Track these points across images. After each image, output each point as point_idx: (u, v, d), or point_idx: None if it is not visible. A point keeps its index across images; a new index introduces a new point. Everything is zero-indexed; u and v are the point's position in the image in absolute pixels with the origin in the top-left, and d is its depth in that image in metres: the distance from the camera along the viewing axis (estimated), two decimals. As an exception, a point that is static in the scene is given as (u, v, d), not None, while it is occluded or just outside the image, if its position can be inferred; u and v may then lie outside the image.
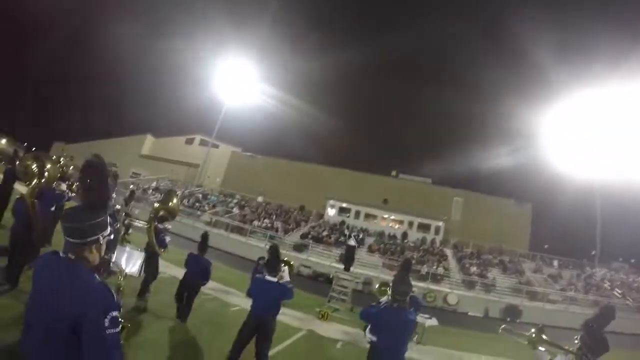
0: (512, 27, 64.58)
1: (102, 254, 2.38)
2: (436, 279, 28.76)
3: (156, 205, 8.96)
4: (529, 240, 43.24)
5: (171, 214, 8.96)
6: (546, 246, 41.98)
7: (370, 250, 33.30)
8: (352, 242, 20.80)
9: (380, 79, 70.91)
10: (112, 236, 2.45)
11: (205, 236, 9.75)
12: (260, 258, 18.18)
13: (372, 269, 29.36)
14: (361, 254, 31.96)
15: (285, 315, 13.21)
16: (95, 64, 77.37)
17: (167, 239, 10.14)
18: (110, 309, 2.06)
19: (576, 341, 4.37)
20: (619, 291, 31.73)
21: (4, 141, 62.74)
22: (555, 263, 37.00)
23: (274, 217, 38.72)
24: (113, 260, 4.57)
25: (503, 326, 5.63)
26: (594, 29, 51.37)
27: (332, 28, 74.68)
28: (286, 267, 7.15)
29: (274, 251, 6.66)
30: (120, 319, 2.44)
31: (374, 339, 5.34)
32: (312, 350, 10.16)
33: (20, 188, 12.25)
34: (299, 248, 31.17)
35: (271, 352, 8.54)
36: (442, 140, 64.64)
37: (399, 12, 76.41)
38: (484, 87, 59.53)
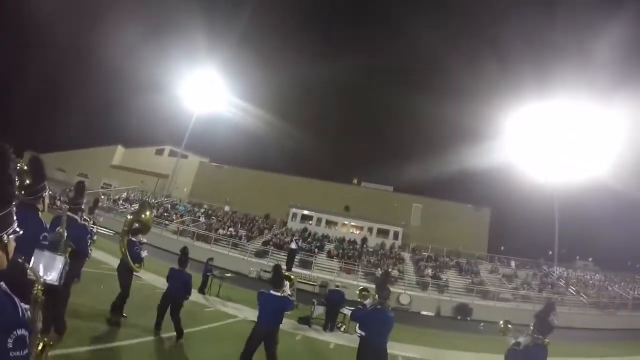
0: (472, 34, 66.45)
1: (9, 256, 2.01)
2: (390, 281, 29.94)
3: (129, 217, 9.34)
4: (487, 243, 44.81)
5: (145, 227, 9.26)
6: (502, 248, 43.48)
7: (329, 255, 34.47)
8: (293, 246, 22.16)
9: (343, 90, 72.25)
10: (19, 232, 2.06)
11: (185, 251, 9.88)
12: (209, 259, 19.49)
13: (328, 272, 30.56)
14: (320, 259, 33.25)
15: (228, 307, 14.52)
16: (65, 74, 77.21)
17: (143, 253, 9.77)
18: (14, 327, 1.73)
19: (531, 326, 5.88)
20: (574, 288, 33.27)
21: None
22: (513, 263, 38.45)
23: (239, 225, 39.69)
24: (30, 265, 3.67)
25: (482, 324, 7.28)
26: (562, 36, 53.20)
27: (297, 41, 75.93)
28: (287, 282, 8.08)
29: (277, 269, 7.55)
30: (44, 338, 2.35)
31: (363, 334, 6.58)
32: (235, 331, 11.26)
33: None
34: (260, 254, 32.20)
35: (195, 329, 9.64)
36: (404, 148, 66.10)
37: (360, 21, 78.00)
38: (445, 91, 61.05)
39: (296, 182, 51.22)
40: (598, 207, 44.79)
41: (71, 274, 6.22)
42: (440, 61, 68.15)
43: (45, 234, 4.37)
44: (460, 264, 36.14)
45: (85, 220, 7.15)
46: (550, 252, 41.96)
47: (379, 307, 6.64)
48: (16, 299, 1.86)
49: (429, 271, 32.95)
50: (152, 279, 14.69)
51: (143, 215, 9.01)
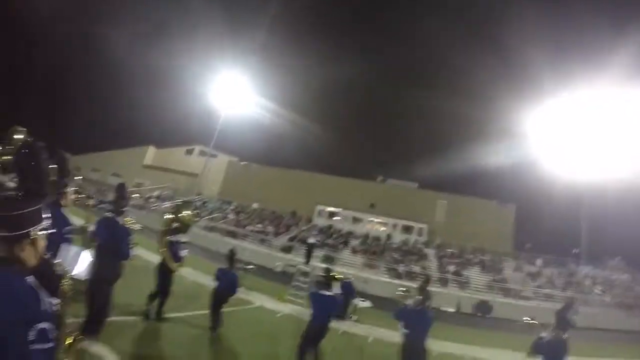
0: (496, 27, 65.80)
1: (40, 252, 2.07)
2: (411, 276, 30.51)
3: (168, 216, 9.42)
4: (512, 240, 44.59)
5: (184, 226, 9.38)
6: (528, 245, 43.00)
7: (354, 251, 35.25)
8: (311, 240, 23.13)
9: (368, 88, 72.85)
10: (48, 230, 2.13)
11: (232, 252, 10.48)
12: (230, 250, 20.52)
13: (351, 268, 31.35)
14: (344, 255, 34.08)
15: (249, 296, 15.54)
16: (97, 76, 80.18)
17: (183, 252, 9.47)
18: (37, 320, 1.77)
19: (552, 323, 6.82)
20: (600, 288, 33.04)
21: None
22: (539, 262, 38.24)
23: (267, 222, 40.84)
24: (56, 260, 3.49)
25: (525, 318, 8.33)
26: (582, 27, 52.19)
27: (320, 39, 76.97)
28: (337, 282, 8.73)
29: (327, 271, 8.31)
30: (71, 332, 2.41)
31: (407, 331, 7.40)
32: (251, 315, 12.24)
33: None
34: (286, 249, 33.20)
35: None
36: (429, 144, 66.03)
37: (384, 16, 78.18)
38: (468, 87, 60.62)
39: (322, 179, 52.00)
40: (630, 204, 43.96)
41: (114, 274, 6.35)
42: (464, 54, 67.88)
43: (69, 227, 4.59)
44: (484, 261, 36.28)
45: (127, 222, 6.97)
46: (577, 250, 41.43)
47: (420, 307, 7.41)
48: (41, 294, 1.93)
49: (452, 267, 33.36)
50: (182, 271, 15.70)
51: (182, 215, 9.22)
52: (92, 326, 6.02)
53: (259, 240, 34.90)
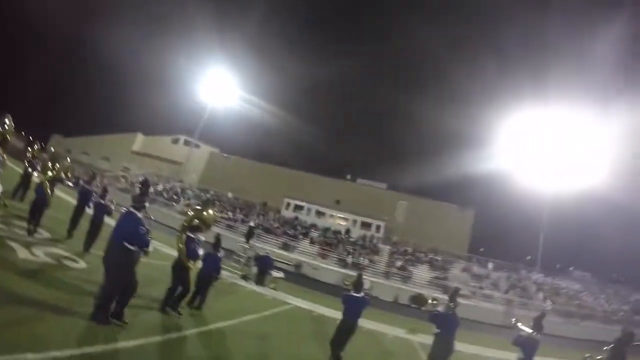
0: (472, 39, 67.76)
1: None
2: (358, 267, 33.21)
3: (190, 213, 9.28)
4: (468, 243, 47.39)
5: (205, 225, 9.13)
6: (482, 249, 45.59)
7: (312, 242, 38.08)
8: (251, 223, 26.04)
9: (353, 89, 75.70)
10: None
11: (218, 238, 11.01)
12: (216, 235, 23.28)
13: (307, 256, 34.31)
14: (302, 245, 36.96)
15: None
16: (93, 67, 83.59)
17: (200, 250, 9.24)
18: None
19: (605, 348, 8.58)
20: (542, 295, 35.21)
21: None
22: (490, 265, 40.56)
23: (238, 210, 43.71)
24: None
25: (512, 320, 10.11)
26: (556, 42, 54.16)
27: (304, 40, 79.86)
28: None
29: (359, 277, 9.62)
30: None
31: (439, 331, 8.58)
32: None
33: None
34: (248, 235, 36.03)
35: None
36: (403, 147, 68.67)
37: (375, 21, 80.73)
38: (442, 97, 62.98)
39: (293, 174, 55.53)
40: (597, 216, 46.07)
41: (132, 259, 6.59)
42: (439, 65, 70.42)
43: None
44: (433, 260, 38.69)
45: (148, 217, 7.04)
46: (529, 257, 43.58)
47: (451, 312, 8.68)
48: None
49: (398, 263, 36.11)
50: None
51: (205, 213, 9.02)
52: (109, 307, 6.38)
53: (226, 225, 37.62)
